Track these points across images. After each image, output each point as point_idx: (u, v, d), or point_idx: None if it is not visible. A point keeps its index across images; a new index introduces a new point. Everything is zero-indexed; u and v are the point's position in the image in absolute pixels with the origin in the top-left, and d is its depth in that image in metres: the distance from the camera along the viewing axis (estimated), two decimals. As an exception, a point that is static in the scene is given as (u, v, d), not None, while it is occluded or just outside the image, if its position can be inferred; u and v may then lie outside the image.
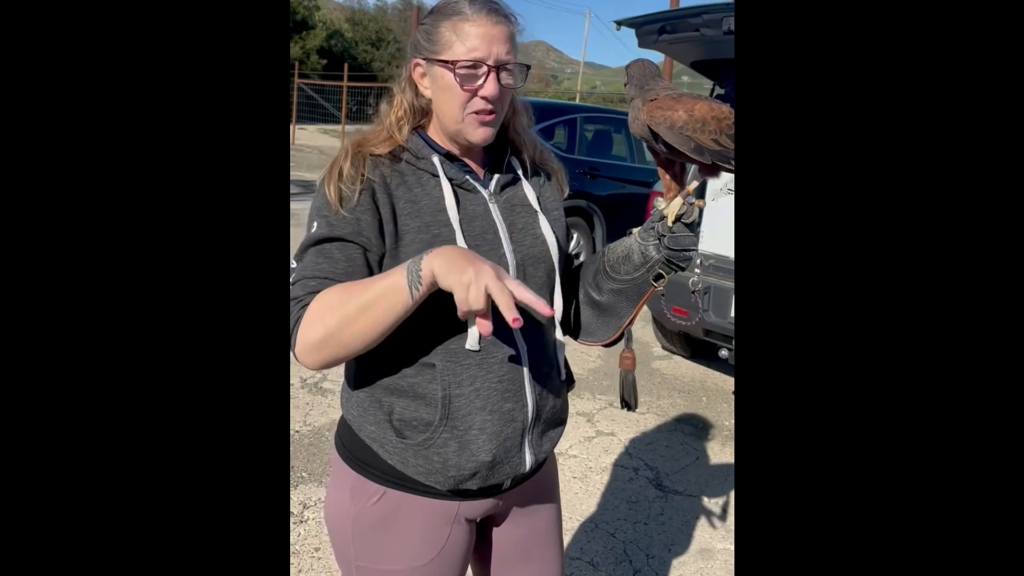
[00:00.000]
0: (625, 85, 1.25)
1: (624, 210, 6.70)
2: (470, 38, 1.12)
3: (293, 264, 1.11)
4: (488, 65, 1.13)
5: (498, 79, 1.14)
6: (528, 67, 1.20)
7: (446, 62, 1.13)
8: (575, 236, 6.72)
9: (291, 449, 3.17)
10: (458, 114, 1.15)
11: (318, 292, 1.06)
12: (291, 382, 3.85)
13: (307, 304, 1.06)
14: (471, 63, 1.12)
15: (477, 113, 1.15)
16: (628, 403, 1.37)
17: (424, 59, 1.17)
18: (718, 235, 4.19)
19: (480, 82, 1.13)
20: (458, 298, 0.97)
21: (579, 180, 6.68)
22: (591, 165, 6.83)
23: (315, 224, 1.12)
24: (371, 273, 1.12)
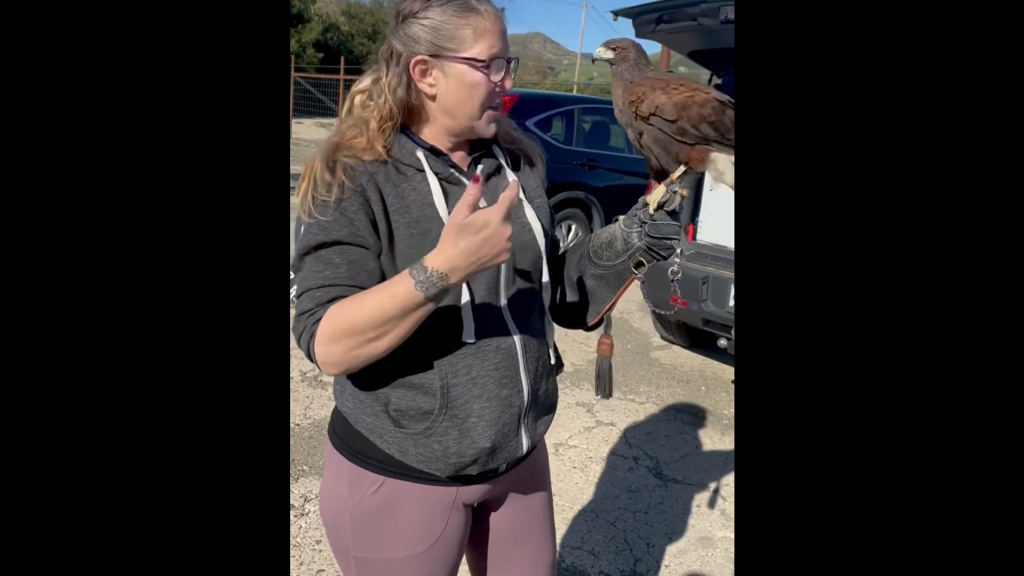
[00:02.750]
0: (611, 63, 1.25)
1: (622, 201, 6.66)
2: (488, 34, 1.13)
3: (291, 273, 1.10)
4: (506, 60, 1.15)
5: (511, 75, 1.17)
6: (517, 60, 1.22)
7: (472, 59, 1.13)
8: (573, 227, 6.72)
9: (292, 442, 3.17)
10: (477, 112, 1.16)
11: (325, 302, 1.06)
12: (291, 375, 3.86)
13: (318, 317, 1.05)
14: (491, 60, 1.13)
15: (493, 109, 1.17)
16: (603, 390, 1.38)
17: (432, 56, 1.13)
18: (717, 225, 4.19)
19: (502, 77, 1.15)
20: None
21: (577, 171, 6.68)
22: (588, 156, 6.81)
23: (304, 229, 1.10)
24: (373, 273, 1.11)
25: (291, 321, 1.08)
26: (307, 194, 1.10)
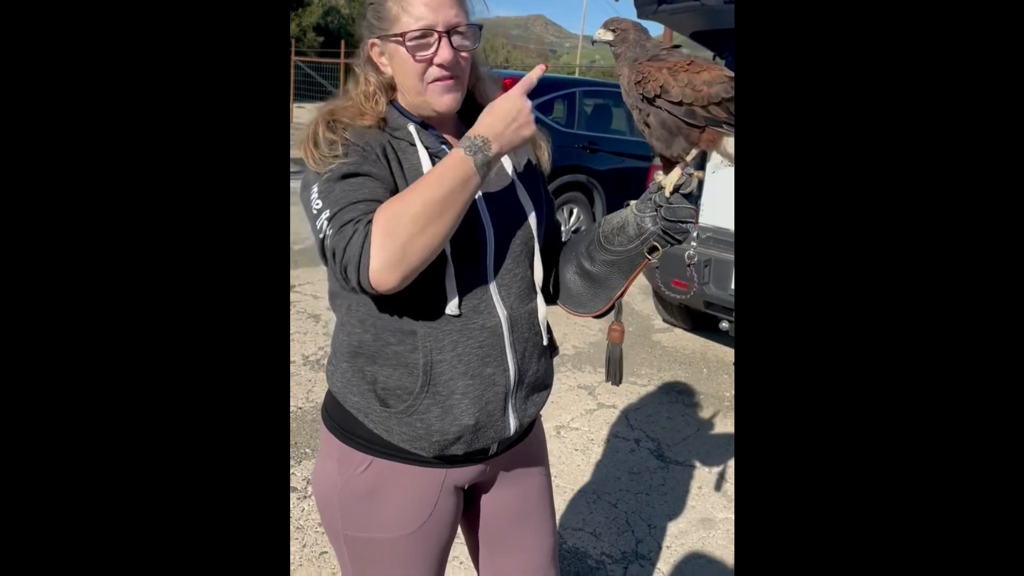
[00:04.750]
0: (611, 45, 1.23)
1: (624, 184, 6.68)
2: (415, 7, 1.13)
3: (318, 203, 1.07)
4: (438, 31, 1.13)
5: (451, 43, 1.14)
6: (480, 27, 1.19)
7: (396, 36, 1.14)
8: (574, 211, 6.70)
9: (295, 426, 3.19)
10: (419, 86, 1.16)
11: (370, 213, 1.03)
12: (293, 359, 3.87)
13: (369, 219, 1.02)
14: (420, 32, 1.13)
15: (437, 81, 1.16)
16: (614, 377, 1.36)
17: (378, 38, 1.17)
18: (718, 208, 4.18)
19: (433, 50, 1.14)
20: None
21: (578, 155, 6.65)
22: (590, 139, 6.79)
23: (331, 169, 1.08)
24: None
25: (325, 243, 1.05)
26: (311, 152, 1.10)
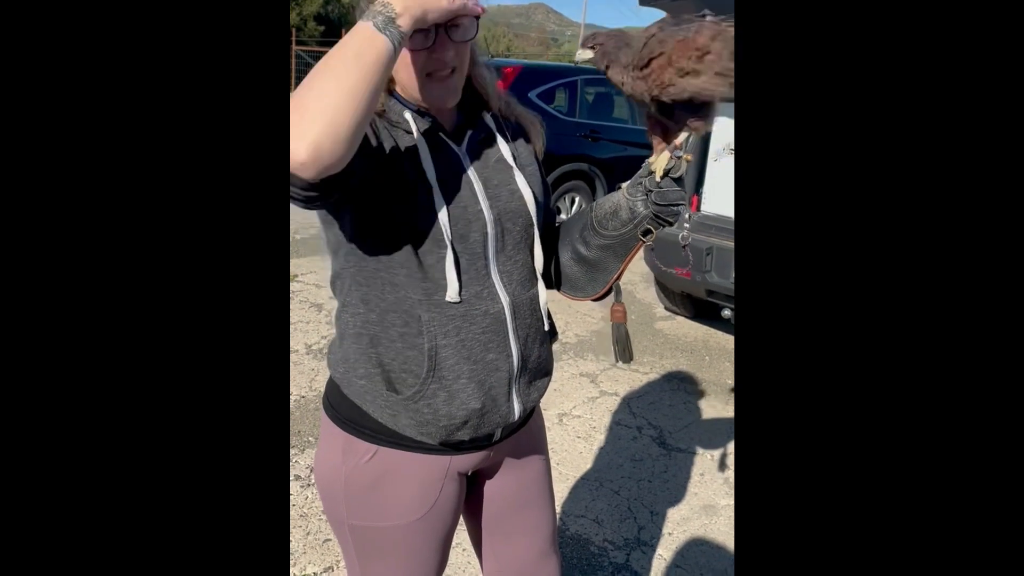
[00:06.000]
0: (595, 64, 1.20)
1: (626, 173, 6.65)
2: None
3: None
4: (436, 24, 1.09)
5: (449, 36, 1.11)
6: (478, 16, 1.15)
7: None
8: (576, 199, 6.70)
9: (299, 414, 3.20)
10: (417, 81, 1.14)
11: None
12: (296, 348, 3.88)
13: None
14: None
15: (435, 74, 1.13)
16: (623, 355, 1.37)
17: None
18: (721, 196, 4.18)
19: (431, 41, 1.10)
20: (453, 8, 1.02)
21: (580, 143, 6.65)
22: (592, 128, 6.78)
23: None
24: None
25: None
26: None
